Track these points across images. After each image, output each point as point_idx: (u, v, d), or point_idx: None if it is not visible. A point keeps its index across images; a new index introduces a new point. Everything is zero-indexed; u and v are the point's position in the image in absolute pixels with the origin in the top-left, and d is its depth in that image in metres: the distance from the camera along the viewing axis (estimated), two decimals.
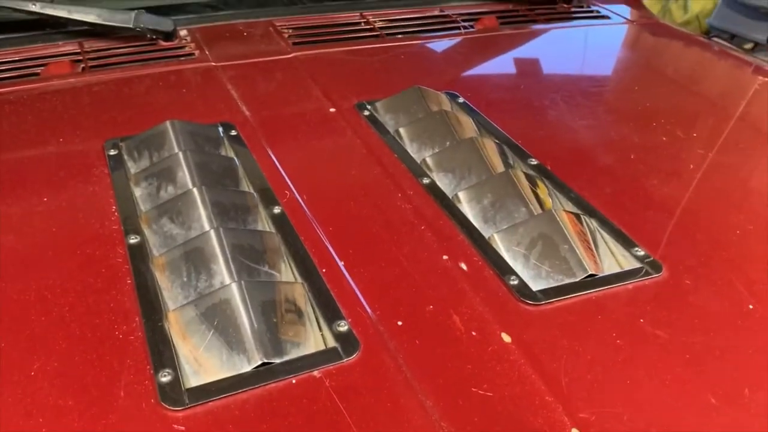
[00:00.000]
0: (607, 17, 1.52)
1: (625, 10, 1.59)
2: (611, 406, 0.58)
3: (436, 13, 1.43)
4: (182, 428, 0.55)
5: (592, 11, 1.54)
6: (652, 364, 0.63)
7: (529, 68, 1.27)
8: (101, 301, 0.67)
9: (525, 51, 1.35)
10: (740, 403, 0.59)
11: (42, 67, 1.16)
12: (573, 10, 1.53)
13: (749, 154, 0.98)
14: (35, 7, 1.20)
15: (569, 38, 1.42)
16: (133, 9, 1.23)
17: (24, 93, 1.08)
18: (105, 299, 0.67)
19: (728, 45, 2.84)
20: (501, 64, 1.32)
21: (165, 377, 0.59)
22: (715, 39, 1.94)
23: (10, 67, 1.15)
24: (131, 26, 1.22)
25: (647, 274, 0.73)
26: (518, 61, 1.31)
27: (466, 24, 1.39)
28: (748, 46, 2.86)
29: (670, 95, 1.18)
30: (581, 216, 0.78)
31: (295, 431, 0.55)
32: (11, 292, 0.68)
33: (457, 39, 1.35)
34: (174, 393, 0.57)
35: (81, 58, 1.19)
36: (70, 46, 1.22)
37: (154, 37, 1.24)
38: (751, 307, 0.70)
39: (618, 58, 1.37)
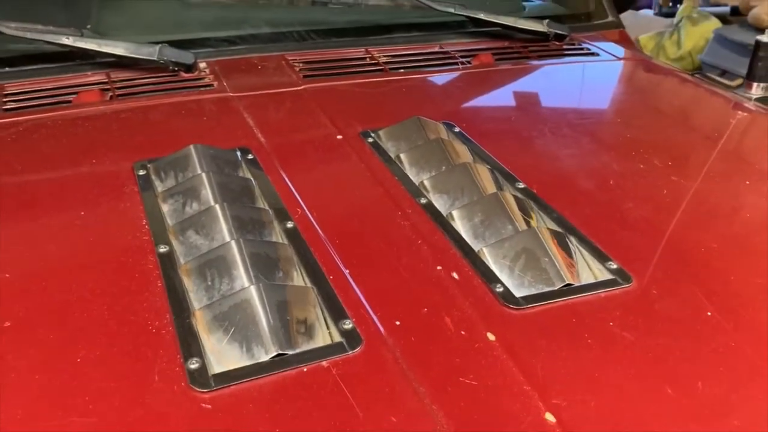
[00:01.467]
0: (597, 54, 1.63)
1: (614, 48, 1.69)
2: (581, 395, 0.67)
3: (436, 49, 1.54)
4: (209, 407, 0.64)
5: (582, 48, 1.65)
6: (618, 361, 0.71)
7: (520, 101, 1.38)
8: (135, 301, 0.76)
9: (517, 85, 1.45)
10: (694, 395, 0.68)
11: (74, 95, 1.26)
12: (564, 47, 1.64)
13: (718, 181, 1.08)
14: (68, 41, 1.31)
15: (559, 74, 1.53)
16: (156, 43, 1.34)
17: (58, 118, 1.18)
18: (139, 299, 0.76)
19: (718, 80, 2.96)
20: (495, 98, 1.42)
21: (193, 365, 0.67)
22: (700, 75, 2.05)
23: (45, 94, 1.26)
24: (155, 59, 1.32)
25: (618, 284, 0.82)
26: (511, 95, 1.42)
27: (463, 60, 1.50)
28: (738, 81, 2.97)
29: (650, 127, 1.28)
30: (562, 233, 0.88)
31: (306, 411, 0.64)
32: (56, 293, 0.78)
33: (455, 74, 1.45)
34: (201, 378, 0.66)
35: (109, 87, 1.30)
36: (98, 77, 1.33)
37: (176, 69, 1.35)
38: (709, 314, 0.78)
39: (604, 93, 1.48)
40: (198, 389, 0.65)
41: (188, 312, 0.74)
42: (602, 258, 0.86)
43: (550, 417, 0.64)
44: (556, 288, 0.80)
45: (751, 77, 1.62)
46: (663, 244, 0.91)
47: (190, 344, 0.70)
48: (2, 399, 0.64)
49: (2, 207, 0.94)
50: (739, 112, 1.43)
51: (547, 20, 1.62)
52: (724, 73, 3.19)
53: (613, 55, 1.64)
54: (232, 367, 0.68)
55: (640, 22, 3.87)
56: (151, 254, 0.83)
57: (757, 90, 1.61)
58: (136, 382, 0.66)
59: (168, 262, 0.82)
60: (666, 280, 0.84)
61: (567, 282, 0.80)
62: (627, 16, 3.39)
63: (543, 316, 0.77)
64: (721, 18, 3.62)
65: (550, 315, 0.77)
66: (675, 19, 3.75)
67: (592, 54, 1.63)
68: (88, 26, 1.45)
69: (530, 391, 0.67)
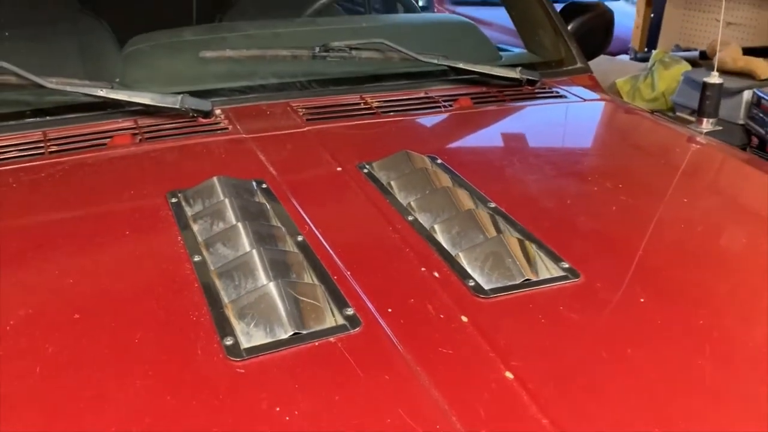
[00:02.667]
0: (565, 97, 1.84)
1: (581, 91, 1.91)
2: (534, 358, 0.85)
3: (422, 95, 1.75)
4: (242, 371, 0.82)
5: (552, 92, 1.86)
6: (565, 335, 0.89)
7: (494, 138, 1.58)
8: (177, 297, 0.95)
9: (492, 125, 1.66)
10: (624, 357, 0.86)
11: (108, 139, 1.46)
12: (536, 91, 1.85)
13: (660, 199, 1.28)
14: (102, 92, 1.51)
15: (530, 114, 1.74)
16: (178, 93, 1.54)
17: (97, 158, 1.38)
18: (180, 296, 0.95)
19: (687, 119, 3.17)
20: (472, 136, 1.63)
21: (228, 341, 0.85)
22: (661, 114, 2.26)
23: (83, 138, 1.45)
24: (178, 107, 1.53)
25: (569, 279, 1.00)
26: (486, 133, 1.62)
27: (445, 104, 1.71)
28: None
29: (607, 157, 1.48)
30: (523, 240, 1.07)
31: (319, 374, 0.82)
32: (113, 292, 0.96)
33: (438, 116, 1.66)
34: (235, 350, 0.84)
35: (137, 131, 1.49)
36: (128, 123, 1.52)
37: (195, 115, 1.54)
38: (642, 300, 0.97)
39: (568, 129, 1.68)
40: (233, 359, 0.83)
41: (221, 304, 0.92)
42: (556, 259, 1.04)
43: (509, 374, 0.82)
44: (517, 282, 0.98)
45: (701, 114, 1.83)
46: (609, 249, 1.10)
47: (225, 327, 0.88)
48: (79, 369, 0.82)
49: (60, 230, 1.13)
50: (690, 144, 1.64)
51: (519, 68, 1.83)
52: (694, 112, 3.43)
53: (580, 97, 1.86)
54: (258, 343, 0.86)
55: (616, 66, 4.13)
56: (187, 262, 1.02)
57: (706, 125, 1.82)
58: (183, 355, 0.84)
59: (202, 267, 1.00)
60: (609, 276, 1.03)
61: (526, 278, 0.99)
62: (603, 61, 3.65)
63: (506, 303, 0.95)
64: (691, 62, 3.88)
65: (512, 302, 0.95)
66: (649, 63, 4.01)
67: (561, 96, 1.84)
68: (117, 80, 1.66)
69: (494, 357, 0.85)
